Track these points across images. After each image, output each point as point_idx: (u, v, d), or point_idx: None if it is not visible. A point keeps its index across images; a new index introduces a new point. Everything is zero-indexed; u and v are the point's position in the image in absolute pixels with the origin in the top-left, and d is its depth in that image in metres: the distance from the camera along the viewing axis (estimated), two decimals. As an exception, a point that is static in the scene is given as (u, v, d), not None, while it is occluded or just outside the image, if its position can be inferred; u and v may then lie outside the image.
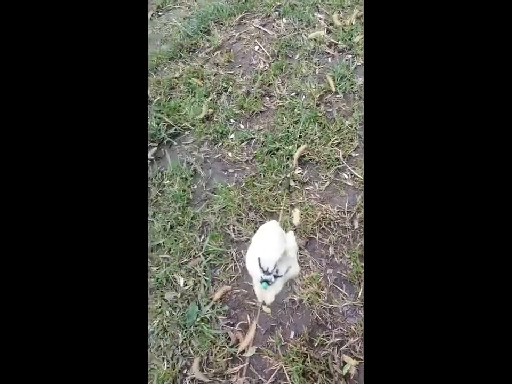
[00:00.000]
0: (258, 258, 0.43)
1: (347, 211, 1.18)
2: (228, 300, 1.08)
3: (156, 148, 1.58)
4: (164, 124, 1.63)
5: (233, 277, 1.12)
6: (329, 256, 1.11)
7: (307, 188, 1.28)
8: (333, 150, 1.34)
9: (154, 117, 1.63)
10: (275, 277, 0.43)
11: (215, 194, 1.33)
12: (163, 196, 1.38)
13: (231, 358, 0.98)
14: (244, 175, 1.36)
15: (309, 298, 1.03)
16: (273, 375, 0.93)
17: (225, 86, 1.67)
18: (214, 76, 1.73)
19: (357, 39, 1.66)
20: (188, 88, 1.71)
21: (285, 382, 0.92)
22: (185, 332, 1.02)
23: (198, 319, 1.03)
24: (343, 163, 1.31)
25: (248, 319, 1.04)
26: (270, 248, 0.43)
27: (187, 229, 1.24)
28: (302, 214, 1.20)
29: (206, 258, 1.16)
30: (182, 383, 0.96)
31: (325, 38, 1.71)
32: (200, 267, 1.14)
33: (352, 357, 0.93)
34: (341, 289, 1.04)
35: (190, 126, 1.61)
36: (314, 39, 1.71)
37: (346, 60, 1.61)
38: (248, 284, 1.10)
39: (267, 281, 0.42)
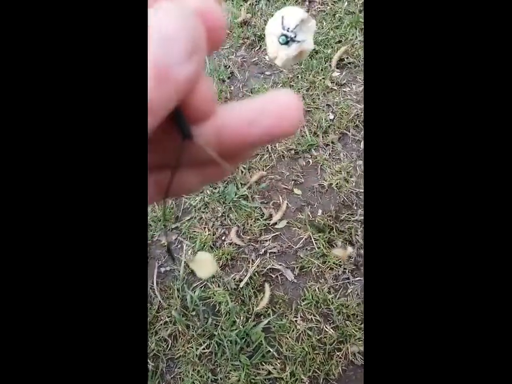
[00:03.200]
0: (282, 17, 0.50)
1: (381, 110, 1.30)
2: (262, 183, 1.26)
3: (193, 53, 1.71)
4: (201, 28, 1.73)
5: (268, 165, 1.30)
6: (360, 150, 1.26)
7: (344, 89, 1.39)
8: (372, 53, 1.43)
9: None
10: (292, 39, 0.50)
11: (252, 94, 1.47)
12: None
13: (265, 228, 1.18)
14: (281, 77, 1.48)
15: (337, 183, 1.20)
16: (301, 241, 1.14)
17: (265, -11, 1.73)
18: (254, -22, 1.78)
19: None
20: (227, -8, 1.78)
21: (312, 247, 1.12)
22: (225, 206, 1.23)
23: (237, 197, 1.23)
24: (381, 66, 1.40)
25: (280, 199, 1.23)
26: (294, 10, 0.51)
27: (226, 123, 1.41)
28: (336, 112, 1.33)
29: (243, 149, 1.33)
30: (221, 246, 1.18)
31: None
32: (238, 155, 1.32)
33: (373, 231, 1.11)
34: (368, 177, 1.20)
35: (227, 31, 1.71)
36: None
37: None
38: (281, 171, 1.28)
39: (286, 36, 0.49)
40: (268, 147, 1.33)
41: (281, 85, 1.46)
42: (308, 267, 1.09)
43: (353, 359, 0.91)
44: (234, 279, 1.11)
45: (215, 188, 1.28)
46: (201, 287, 1.12)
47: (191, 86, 0.13)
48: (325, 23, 1.57)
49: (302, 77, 1.45)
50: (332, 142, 1.29)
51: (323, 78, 1.42)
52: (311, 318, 0.99)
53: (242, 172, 1.29)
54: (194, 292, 1.10)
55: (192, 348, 1.01)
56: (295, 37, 0.49)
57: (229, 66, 1.60)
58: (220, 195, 1.25)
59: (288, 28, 0.48)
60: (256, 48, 1.61)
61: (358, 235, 1.11)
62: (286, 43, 0.49)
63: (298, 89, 1.42)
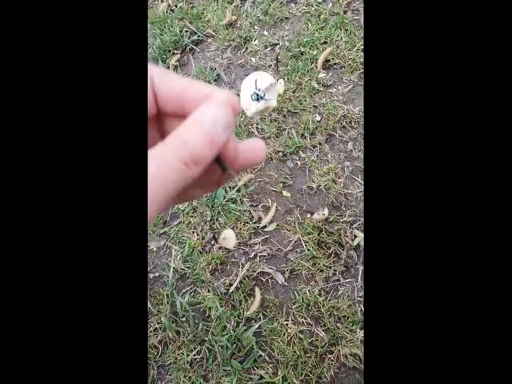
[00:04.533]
0: (255, 80, 0.64)
1: (367, 111, 1.32)
2: (251, 186, 1.26)
3: (179, 55, 1.70)
4: (186, 30, 1.73)
5: (256, 168, 1.30)
6: (348, 151, 1.27)
7: (330, 91, 1.40)
8: (358, 54, 1.44)
9: (177, 24, 1.74)
10: (262, 98, 0.63)
11: (238, 96, 1.47)
12: (188, 98, 1.53)
13: (254, 231, 1.18)
14: (268, 79, 1.49)
15: (326, 185, 1.21)
16: (291, 244, 1.14)
17: (250, -10, 1.73)
18: (238, -20, 1.78)
19: None
20: (211, -7, 1.78)
21: (302, 249, 1.12)
22: (213, 210, 1.23)
23: (225, 200, 1.23)
24: (367, 67, 1.42)
25: (269, 202, 1.23)
26: (265, 75, 0.65)
27: (213, 126, 1.41)
28: (323, 113, 1.34)
29: (231, 152, 1.33)
30: (210, 251, 1.18)
31: None
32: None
33: (362, 232, 1.12)
34: (356, 178, 1.21)
35: (213, 33, 1.71)
36: None
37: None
38: (269, 173, 1.28)
39: (257, 95, 0.63)
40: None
41: (267, 86, 1.46)
42: (298, 270, 1.09)
43: (345, 361, 0.92)
44: (224, 284, 1.11)
45: (203, 192, 1.27)
46: (191, 292, 1.12)
47: (226, 144, 0.22)
48: (310, 25, 1.58)
49: (288, 79, 1.46)
50: (319, 144, 1.30)
51: (309, 79, 1.43)
52: (302, 321, 1.00)
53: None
54: (184, 297, 1.10)
55: (183, 354, 1.01)
56: (264, 96, 0.63)
57: (215, 69, 1.60)
58: (208, 199, 1.25)
59: (260, 89, 0.63)
60: (242, 50, 1.61)
61: (347, 236, 1.12)
62: (257, 99, 0.63)
63: (285, 91, 1.42)
